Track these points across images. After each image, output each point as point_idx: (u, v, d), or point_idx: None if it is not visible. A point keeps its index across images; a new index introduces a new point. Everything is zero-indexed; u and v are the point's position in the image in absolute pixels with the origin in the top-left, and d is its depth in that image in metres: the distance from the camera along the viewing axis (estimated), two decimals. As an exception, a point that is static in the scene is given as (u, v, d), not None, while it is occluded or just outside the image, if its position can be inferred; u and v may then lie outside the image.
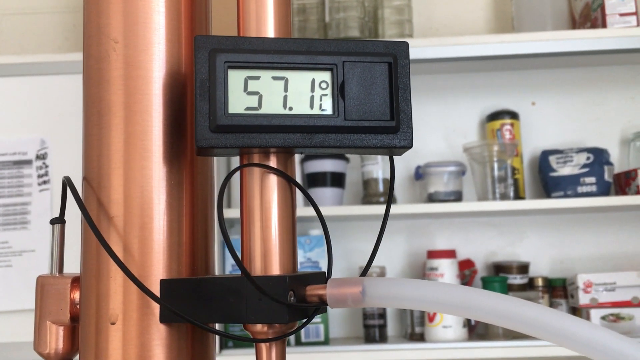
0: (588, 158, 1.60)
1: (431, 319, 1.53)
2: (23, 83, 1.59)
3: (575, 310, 1.60)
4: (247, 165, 0.35)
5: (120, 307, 0.35)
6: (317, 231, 1.65)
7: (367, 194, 1.64)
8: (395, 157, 0.39)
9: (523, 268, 1.64)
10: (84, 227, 0.37)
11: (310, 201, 0.38)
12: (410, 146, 0.35)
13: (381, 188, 1.63)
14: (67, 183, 0.37)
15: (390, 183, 0.37)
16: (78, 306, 0.38)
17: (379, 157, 1.64)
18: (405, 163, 1.74)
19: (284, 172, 0.35)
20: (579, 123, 1.73)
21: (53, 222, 0.40)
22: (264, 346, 0.34)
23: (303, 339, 1.54)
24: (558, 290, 1.62)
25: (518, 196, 1.61)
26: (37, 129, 1.58)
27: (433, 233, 1.73)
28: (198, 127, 0.33)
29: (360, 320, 1.63)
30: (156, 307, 0.35)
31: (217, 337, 1.48)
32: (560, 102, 1.74)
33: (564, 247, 1.70)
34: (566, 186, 1.58)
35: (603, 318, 1.51)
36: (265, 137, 0.33)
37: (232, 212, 1.57)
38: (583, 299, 1.52)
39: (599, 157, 1.59)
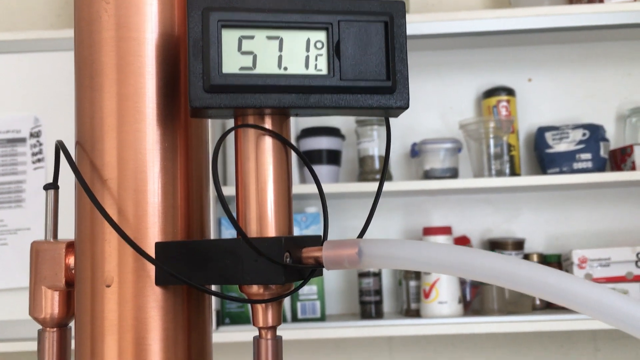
0: (584, 134, 1.60)
1: (427, 295, 1.54)
2: (15, 60, 1.57)
3: (570, 286, 1.61)
4: (242, 126, 0.34)
5: (115, 270, 0.34)
6: (313, 208, 1.65)
7: (363, 171, 1.64)
8: (391, 134, 0.38)
9: (518, 244, 1.65)
10: (78, 191, 0.37)
11: (305, 163, 0.38)
12: (406, 107, 0.34)
13: (377, 165, 1.63)
14: (59, 147, 0.37)
15: (387, 146, 0.37)
16: (73, 271, 0.38)
17: (375, 133, 1.63)
18: (401, 140, 1.73)
19: (279, 134, 0.35)
20: (575, 99, 1.73)
21: (46, 187, 0.40)
22: (260, 307, 0.34)
23: (299, 316, 1.55)
24: (553, 266, 1.63)
25: (514, 173, 1.61)
26: (30, 107, 1.57)
27: (429, 210, 1.73)
28: (192, 88, 0.32)
29: (356, 297, 1.64)
30: (151, 270, 0.35)
31: (214, 313, 1.49)
32: (556, 79, 1.74)
33: (560, 223, 1.71)
34: (562, 162, 1.59)
35: (597, 293, 1.52)
36: (260, 97, 0.33)
37: (227, 190, 1.56)
38: (578, 274, 1.53)
39: (594, 133, 1.59)
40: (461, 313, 1.53)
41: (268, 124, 0.35)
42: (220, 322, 1.54)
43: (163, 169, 0.35)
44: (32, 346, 1.48)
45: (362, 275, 1.60)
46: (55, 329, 0.39)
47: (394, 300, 1.70)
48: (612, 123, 1.71)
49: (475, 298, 1.63)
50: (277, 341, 0.35)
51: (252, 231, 0.34)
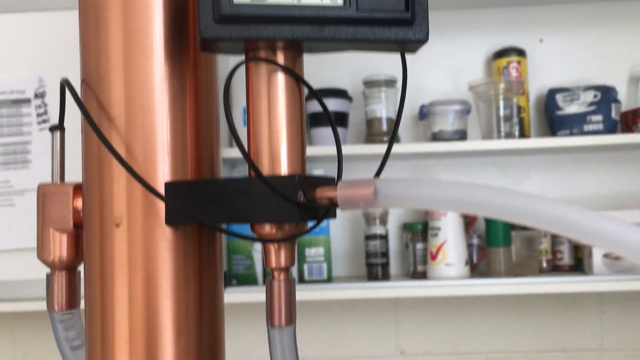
0: (595, 96, 1.57)
1: (433, 258, 1.54)
2: (19, 19, 1.55)
3: (578, 249, 1.61)
4: (254, 59, 0.33)
5: (124, 209, 0.34)
6: (320, 171, 1.64)
7: (371, 134, 1.62)
8: (407, 75, 0.37)
9: (526, 207, 1.64)
10: (85, 130, 0.35)
11: (318, 100, 0.36)
12: (425, 39, 0.33)
13: (385, 127, 1.61)
14: (64, 84, 0.35)
15: (403, 87, 0.36)
16: (81, 214, 0.37)
17: (383, 95, 1.61)
18: (409, 102, 1.71)
19: (292, 70, 0.34)
20: (587, 60, 1.70)
21: (52, 129, 0.39)
22: (272, 248, 0.33)
23: (306, 277, 1.55)
24: (561, 229, 1.62)
25: (523, 135, 1.59)
26: (34, 67, 1.55)
27: (437, 173, 1.72)
28: (201, 18, 0.31)
29: (363, 260, 1.64)
30: (161, 209, 0.34)
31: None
32: (568, 39, 1.70)
33: (569, 186, 1.70)
34: (572, 125, 1.56)
35: (605, 256, 1.52)
36: (273, 28, 0.32)
37: (233, 152, 1.55)
38: (585, 237, 1.52)
39: (606, 95, 1.57)
40: (468, 275, 1.53)
41: (281, 60, 0.33)
42: (227, 284, 1.54)
43: (172, 106, 0.34)
44: (42, 306, 1.49)
45: (369, 237, 1.60)
46: (64, 272, 0.38)
47: (401, 263, 1.70)
48: (624, 84, 1.68)
49: (482, 261, 1.63)
50: (290, 282, 0.34)
51: (265, 169, 0.33)
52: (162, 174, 0.34)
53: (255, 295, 1.49)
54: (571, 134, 1.56)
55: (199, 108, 0.35)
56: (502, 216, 0.31)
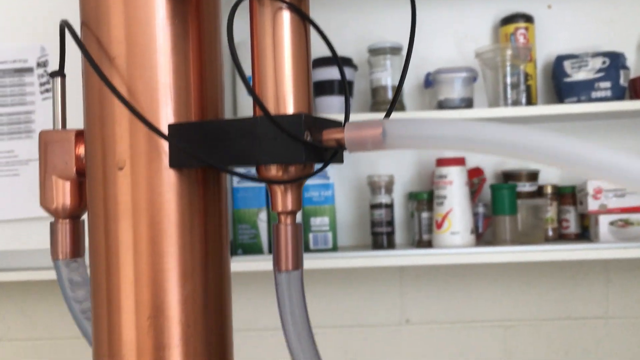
0: (604, 62, 1.55)
1: (439, 226, 1.54)
2: (19, -13, 1.53)
3: (584, 217, 1.60)
4: (258, -5, 0.32)
5: (127, 152, 0.33)
6: (325, 140, 1.63)
7: (376, 102, 1.61)
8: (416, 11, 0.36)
9: (532, 176, 1.63)
10: (86, 72, 0.35)
11: (325, 42, 0.35)
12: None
13: (390, 95, 1.59)
14: (64, 26, 0.35)
15: (412, 24, 0.35)
16: (83, 160, 0.36)
17: (388, 63, 1.59)
18: (414, 70, 1.69)
19: (298, 7, 0.33)
20: (596, 26, 1.67)
21: (52, 75, 0.38)
22: (279, 191, 0.33)
23: (311, 247, 1.55)
24: (567, 198, 1.61)
25: (530, 103, 1.58)
26: (36, 36, 1.54)
27: (442, 142, 1.71)
28: (203, -49, 0.30)
29: (368, 230, 1.64)
30: (165, 152, 0.33)
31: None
32: (577, 5, 1.67)
33: (575, 155, 1.68)
34: (580, 91, 1.55)
35: (612, 224, 1.51)
36: (278, -39, 0.30)
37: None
38: (592, 205, 1.52)
39: (615, 61, 1.54)
40: (473, 244, 1.52)
41: (285, -3, 0.32)
42: (233, 253, 1.55)
43: (174, 46, 0.33)
44: (48, 275, 1.50)
45: (374, 206, 1.60)
46: (67, 220, 0.38)
47: (406, 233, 1.70)
48: (632, 51, 1.65)
49: (488, 229, 1.63)
50: (297, 227, 0.33)
51: (270, 110, 0.32)
52: (164, 115, 0.33)
53: (261, 264, 1.50)
54: (579, 101, 1.54)
55: (202, 49, 0.35)
56: (510, 153, 0.30)
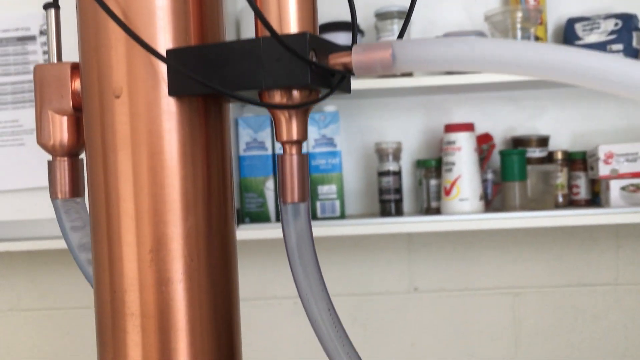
0: (616, 24, 1.51)
1: (447, 193, 1.52)
2: (19, -46, 1.51)
3: (594, 183, 1.58)
4: None
5: (124, 79, 0.31)
6: (332, 107, 1.61)
7: (383, 68, 1.58)
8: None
9: (542, 141, 1.60)
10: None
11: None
12: None
13: (397, 60, 1.57)
14: (57, -50, 0.33)
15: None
16: (80, 95, 0.35)
17: (395, 27, 1.56)
18: (422, 35, 1.66)
19: None
20: (609, -12, 1.63)
21: (46, 6, 0.36)
22: (283, 118, 0.31)
23: (319, 215, 1.54)
24: (577, 164, 1.59)
25: (540, 66, 1.55)
26: (38, 4, 1.51)
27: (450, 109, 1.69)
28: None
29: (376, 198, 1.63)
30: (164, 79, 0.32)
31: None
32: (589, -34, 1.63)
33: (586, 120, 1.66)
34: (592, 54, 1.51)
35: (623, 189, 1.49)
36: None
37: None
38: (603, 170, 1.50)
39: (627, 23, 1.51)
40: (482, 210, 1.51)
41: None
42: (240, 221, 1.54)
43: (172, -33, 0.32)
44: (56, 244, 1.51)
45: (382, 174, 1.58)
46: (65, 159, 0.36)
47: (414, 201, 1.69)
48: (646, 12, 1.61)
49: (497, 196, 1.61)
50: (303, 157, 0.32)
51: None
52: (162, 40, 0.31)
53: (268, 232, 1.49)
54: (590, 64, 1.51)
55: (201, -28, 0.33)
56: (526, 72, 0.29)
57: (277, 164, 0.32)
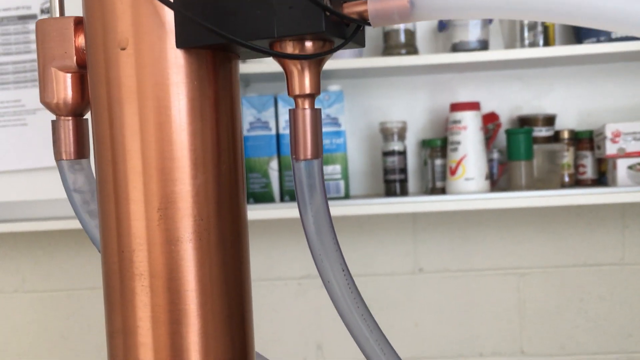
0: None
1: (453, 172, 1.51)
2: None
3: (601, 162, 1.57)
4: None
5: (129, 30, 0.30)
6: (336, 86, 1.59)
7: (388, 46, 1.56)
8: None
9: (549, 120, 1.59)
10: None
11: None
12: None
13: (402, 39, 1.55)
14: None
15: None
16: (84, 51, 0.34)
17: (401, 4, 1.54)
18: (427, 13, 1.64)
19: None
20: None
21: (48, -41, 0.35)
22: (295, 71, 0.30)
23: (323, 195, 1.53)
24: (584, 143, 1.58)
25: (547, 44, 1.53)
26: (38, -18, 1.50)
27: (456, 88, 1.67)
28: None
29: (381, 178, 1.61)
30: (171, 30, 0.30)
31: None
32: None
33: (593, 99, 1.64)
34: (599, 31, 1.49)
35: (630, 167, 1.48)
36: None
37: (246, 67, 1.51)
38: (610, 149, 1.48)
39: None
40: (488, 190, 1.50)
41: None
42: (243, 202, 1.53)
43: None
44: (59, 225, 1.50)
45: (387, 154, 1.57)
46: (70, 118, 0.35)
47: (419, 182, 1.67)
48: (656, -11, 1.59)
49: (503, 176, 1.60)
50: (316, 112, 0.31)
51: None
52: (170, -10, 0.30)
53: (273, 212, 1.48)
54: (598, 41, 1.49)
55: None
56: (552, 17, 0.27)
57: (290, 119, 0.31)
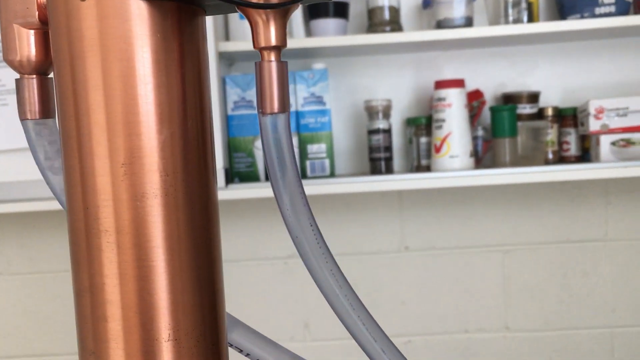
0: (609, -23, 1.49)
1: (438, 150, 1.51)
2: None
3: (585, 139, 1.58)
4: None
5: (91, -19, 0.30)
6: (321, 64, 1.59)
7: (372, 24, 1.55)
8: None
9: (533, 97, 1.59)
10: None
11: None
12: None
13: (387, 16, 1.54)
14: None
15: None
16: (46, 8, 0.33)
17: (385, -19, 1.53)
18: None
19: None
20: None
21: None
22: (260, 22, 0.30)
23: (309, 174, 1.53)
24: (568, 120, 1.58)
25: (532, 21, 1.53)
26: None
27: (441, 65, 1.66)
28: None
29: (366, 157, 1.62)
30: (133, -19, 0.30)
31: (223, 172, 1.47)
32: None
33: (577, 76, 1.64)
34: (583, 7, 1.49)
35: (613, 144, 1.49)
36: None
37: (231, 45, 1.50)
38: (594, 125, 1.49)
39: (620, -25, 1.48)
40: (472, 167, 1.50)
41: None
42: (229, 181, 1.53)
43: None
44: (43, 206, 1.49)
45: (372, 132, 1.57)
46: (34, 76, 0.35)
47: (404, 160, 1.68)
48: (639, -35, 1.59)
49: (487, 153, 1.60)
50: (282, 64, 0.30)
51: None
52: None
53: (258, 191, 1.48)
54: (582, 17, 1.49)
55: None
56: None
57: (255, 72, 0.31)
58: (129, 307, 0.31)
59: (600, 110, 1.49)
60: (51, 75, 0.35)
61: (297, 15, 1.60)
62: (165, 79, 0.31)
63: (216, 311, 0.33)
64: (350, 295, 0.32)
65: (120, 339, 0.31)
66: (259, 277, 1.70)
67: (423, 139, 1.57)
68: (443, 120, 1.50)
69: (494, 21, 1.51)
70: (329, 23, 1.56)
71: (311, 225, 0.31)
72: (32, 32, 0.34)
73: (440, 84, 1.52)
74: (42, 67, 0.35)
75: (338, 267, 0.32)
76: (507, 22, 1.49)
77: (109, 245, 0.31)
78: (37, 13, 0.33)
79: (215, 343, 0.33)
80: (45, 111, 0.35)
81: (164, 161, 0.31)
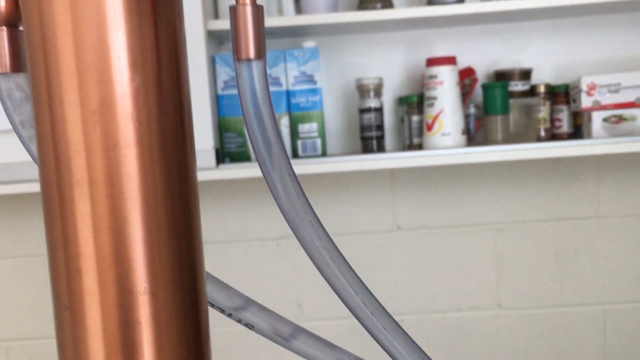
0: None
1: (429, 128, 1.50)
2: None
3: (577, 116, 1.57)
4: None
5: None
6: (311, 43, 1.57)
7: (363, 1, 1.54)
8: None
9: (525, 74, 1.58)
10: None
11: None
12: None
13: (377, -7, 1.52)
14: None
15: None
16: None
17: (375, -43, 1.51)
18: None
19: None
20: None
21: None
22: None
23: (300, 153, 1.52)
24: (560, 96, 1.58)
25: (524, -3, 1.51)
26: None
27: (433, 43, 1.65)
28: None
29: (358, 136, 1.61)
30: None
31: (214, 152, 1.46)
32: None
33: (569, 53, 1.63)
34: (576, -18, 1.48)
35: (605, 120, 1.48)
36: None
37: (220, 24, 1.48)
38: (586, 102, 1.48)
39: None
40: (464, 145, 1.50)
41: None
42: (220, 162, 1.52)
43: None
44: (33, 187, 1.47)
45: (363, 111, 1.56)
46: (4, 28, 0.34)
47: (396, 139, 1.67)
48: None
49: (479, 131, 1.60)
50: (258, 8, 0.29)
51: None
52: None
53: (249, 171, 1.47)
54: (574, -7, 1.48)
55: None
56: None
57: (230, 17, 0.30)
58: (103, 260, 0.30)
59: (592, 87, 1.48)
60: (21, 27, 0.34)
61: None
62: (138, 25, 0.30)
63: (194, 266, 0.33)
64: (331, 248, 0.31)
65: (96, 292, 0.30)
66: (251, 258, 1.69)
67: (415, 117, 1.56)
68: (435, 98, 1.49)
69: (486, -3, 1.50)
70: (319, 0, 1.54)
71: (289, 175, 0.30)
72: (0, -20, 0.32)
73: (431, 62, 1.51)
74: (12, 19, 0.34)
75: (318, 219, 0.31)
76: (499, -2, 1.47)
77: (82, 197, 0.30)
78: (4, -41, 0.32)
79: (194, 298, 0.32)
80: (17, 65, 0.34)
81: (137, 109, 0.30)
